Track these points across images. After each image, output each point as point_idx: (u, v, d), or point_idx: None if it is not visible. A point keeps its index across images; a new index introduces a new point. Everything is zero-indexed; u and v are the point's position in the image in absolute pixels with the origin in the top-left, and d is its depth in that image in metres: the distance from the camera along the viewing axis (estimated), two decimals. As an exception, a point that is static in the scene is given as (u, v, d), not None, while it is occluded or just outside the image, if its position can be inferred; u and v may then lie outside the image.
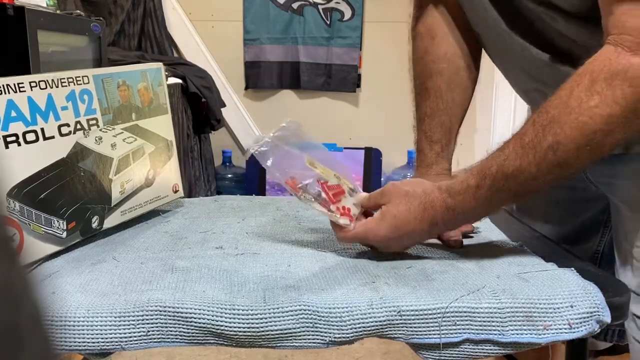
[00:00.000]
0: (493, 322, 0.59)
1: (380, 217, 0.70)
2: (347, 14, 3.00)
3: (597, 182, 0.84)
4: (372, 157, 2.92)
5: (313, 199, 0.71)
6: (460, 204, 0.67)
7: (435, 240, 0.77)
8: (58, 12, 1.79)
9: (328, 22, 3.00)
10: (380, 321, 0.58)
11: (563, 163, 0.62)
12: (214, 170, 2.84)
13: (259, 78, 3.06)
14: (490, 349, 0.60)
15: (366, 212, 0.74)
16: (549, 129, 0.62)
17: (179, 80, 2.33)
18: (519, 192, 0.65)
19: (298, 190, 0.70)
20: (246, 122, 3.10)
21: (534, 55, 0.75)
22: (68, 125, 0.74)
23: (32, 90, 0.70)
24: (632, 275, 0.75)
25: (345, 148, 2.94)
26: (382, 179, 2.89)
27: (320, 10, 3.00)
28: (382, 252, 0.72)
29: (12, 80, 0.68)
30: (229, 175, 2.95)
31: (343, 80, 3.04)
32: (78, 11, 1.92)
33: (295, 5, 3.00)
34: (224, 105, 2.71)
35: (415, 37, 0.91)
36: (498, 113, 2.84)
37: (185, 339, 0.59)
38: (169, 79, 2.20)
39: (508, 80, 0.88)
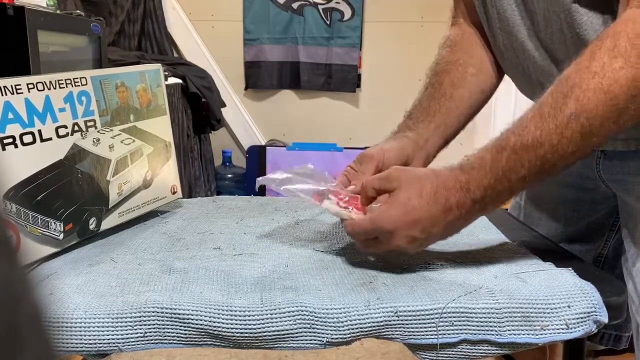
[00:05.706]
0: (490, 322, 0.59)
1: (388, 204, 0.63)
2: (347, 14, 3.00)
3: (609, 180, 0.83)
4: (372, 157, 2.92)
5: (330, 200, 0.70)
6: (474, 180, 0.61)
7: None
8: (58, 12, 1.79)
9: (328, 22, 3.00)
10: (377, 322, 0.58)
11: (586, 132, 0.58)
12: (214, 170, 2.84)
13: (259, 78, 3.06)
14: (488, 349, 0.60)
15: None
16: (570, 96, 0.58)
17: (179, 80, 2.34)
18: (537, 169, 0.60)
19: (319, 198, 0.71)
20: (246, 122, 3.10)
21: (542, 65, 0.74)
22: (65, 126, 0.74)
23: (29, 92, 0.69)
24: None
25: (345, 148, 2.94)
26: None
27: (320, 10, 3.00)
28: (389, 250, 0.65)
29: (9, 82, 0.67)
30: (229, 175, 2.96)
31: (343, 80, 3.04)
32: (78, 11, 1.93)
33: (295, 5, 3.00)
34: (224, 105, 2.71)
35: (441, 45, 0.91)
36: (498, 113, 2.84)
37: (182, 341, 0.59)
38: (169, 78, 2.20)
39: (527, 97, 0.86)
